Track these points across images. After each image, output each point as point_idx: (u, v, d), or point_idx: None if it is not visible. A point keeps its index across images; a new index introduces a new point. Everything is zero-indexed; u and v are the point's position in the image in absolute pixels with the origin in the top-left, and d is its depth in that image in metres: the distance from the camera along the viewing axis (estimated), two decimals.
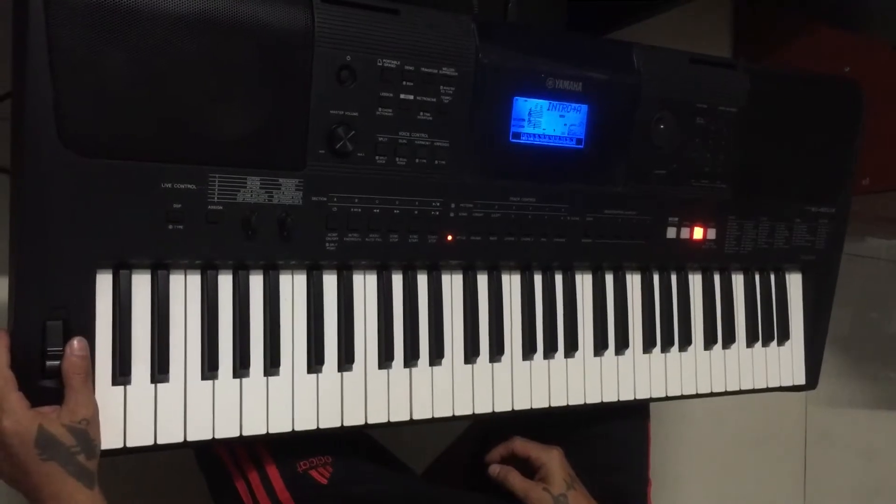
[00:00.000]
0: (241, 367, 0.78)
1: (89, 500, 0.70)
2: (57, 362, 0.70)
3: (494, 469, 0.98)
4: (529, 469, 0.97)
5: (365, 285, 0.85)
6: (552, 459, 0.96)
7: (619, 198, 0.94)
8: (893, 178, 1.48)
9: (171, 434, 0.76)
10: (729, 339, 1.06)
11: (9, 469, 0.69)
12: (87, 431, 0.70)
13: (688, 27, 1.67)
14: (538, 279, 0.94)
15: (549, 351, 0.94)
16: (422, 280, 0.88)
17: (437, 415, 0.88)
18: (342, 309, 0.83)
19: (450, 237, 0.86)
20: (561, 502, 0.92)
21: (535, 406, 0.94)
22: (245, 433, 0.79)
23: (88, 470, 0.70)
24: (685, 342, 1.03)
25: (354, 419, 0.84)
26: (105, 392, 0.73)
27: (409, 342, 0.86)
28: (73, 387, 0.71)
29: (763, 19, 1.76)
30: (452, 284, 0.90)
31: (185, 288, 0.77)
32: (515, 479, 0.96)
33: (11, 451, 0.68)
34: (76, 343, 0.71)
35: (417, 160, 0.82)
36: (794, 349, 1.12)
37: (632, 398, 1.00)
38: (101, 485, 0.71)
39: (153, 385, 0.76)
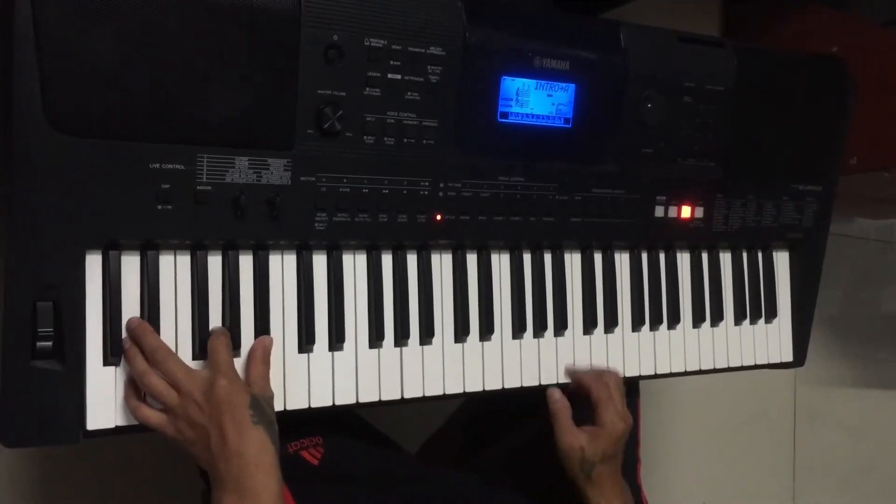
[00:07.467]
0: (231, 347, 0.78)
1: (280, 480, 0.72)
2: (48, 343, 0.70)
3: (554, 395, 0.92)
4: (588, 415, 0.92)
5: (355, 265, 0.85)
6: (615, 425, 0.89)
7: (608, 177, 0.94)
8: (881, 158, 1.48)
9: None
10: (717, 317, 1.07)
11: (212, 432, 0.70)
12: (272, 407, 0.75)
13: (677, 7, 1.67)
14: (527, 258, 0.95)
15: (539, 330, 0.95)
16: (411, 260, 0.88)
17: (428, 393, 0.89)
18: (332, 289, 0.84)
19: (439, 217, 0.86)
20: (586, 469, 0.88)
21: (525, 384, 0.94)
22: None
23: (278, 445, 0.73)
24: (674, 320, 1.04)
25: (345, 398, 0.85)
26: (96, 372, 0.74)
27: (399, 322, 0.87)
28: (261, 364, 0.77)
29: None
30: (442, 264, 0.90)
31: (174, 268, 0.77)
32: (563, 420, 0.89)
33: (222, 411, 0.70)
34: (268, 338, 0.79)
35: (406, 140, 0.82)
36: (782, 326, 1.13)
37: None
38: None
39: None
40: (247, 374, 0.77)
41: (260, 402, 0.74)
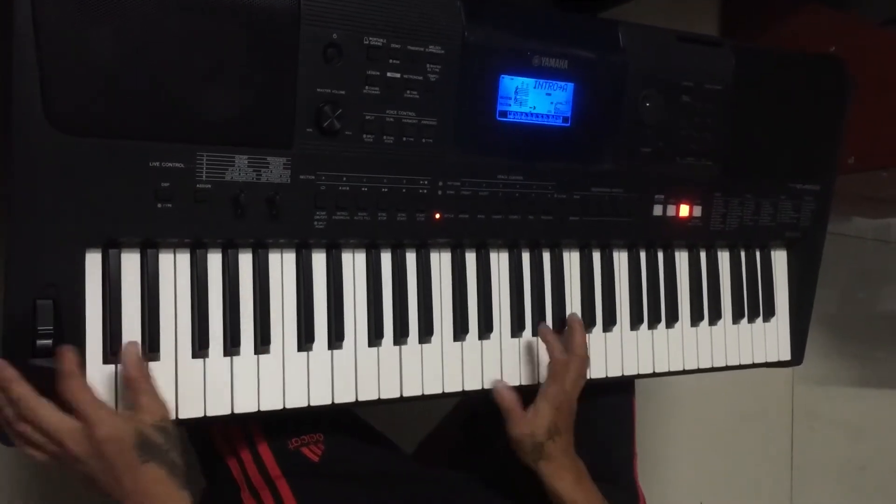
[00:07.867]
0: (231, 345, 0.79)
1: (184, 500, 0.71)
2: (48, 341, 0.70)
3: (501, 392, 0.90)
4: None
5: (354, 264, 0.85)
6: (555, 397, 0.89)
7: (606, 176, 0.94)
8: (879, 158, 1.49)
9: None
10: (715, 316, 1.07)
11: (104, 477, 0.68)
12: (168, 429, 0.72)
13: (676, 7, 1.67)
14: (526, 257, 0.95)
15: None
16: (410, 258, 0.88)
17: (427, 392, 0.89)
18: (331, 287, 0.84)
19: (438, 215, 0.87)
20: (537, 452, 0.89)
21: (523, 383, 0.95)
22: (236, 411, 0.80)
23: (181, 467, 0.71)
24: (672, 319, 1.04)
25: (345, 397, 0.85)
26: (96, 370, 0.74)
27: (399, 320, 0.87)
28: (144, 389, 0.72)
29: None
30: (441, 263, 0.90)
31: (174, 267, 0.77)
32: (515, 413, 0.89)
33: (109, 458, 0.68)
34: (131, 348, 0.73)
35: (405, 138, 0.82)
36: (780, 325, 1.14)
37: (619, 374, 1.01)
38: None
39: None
40: (133, 400, 0.73)
41: (146, 436, 0.70)
